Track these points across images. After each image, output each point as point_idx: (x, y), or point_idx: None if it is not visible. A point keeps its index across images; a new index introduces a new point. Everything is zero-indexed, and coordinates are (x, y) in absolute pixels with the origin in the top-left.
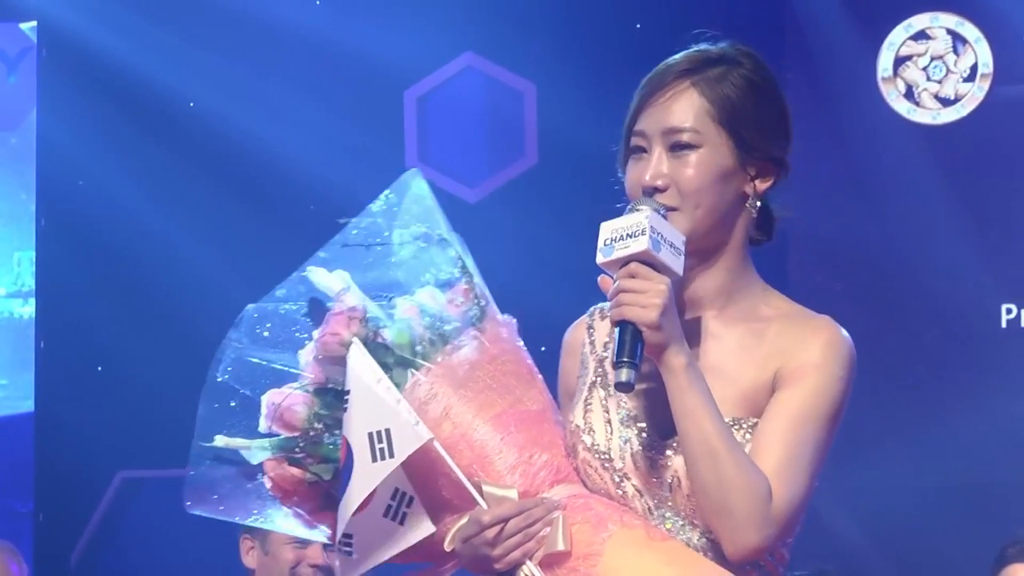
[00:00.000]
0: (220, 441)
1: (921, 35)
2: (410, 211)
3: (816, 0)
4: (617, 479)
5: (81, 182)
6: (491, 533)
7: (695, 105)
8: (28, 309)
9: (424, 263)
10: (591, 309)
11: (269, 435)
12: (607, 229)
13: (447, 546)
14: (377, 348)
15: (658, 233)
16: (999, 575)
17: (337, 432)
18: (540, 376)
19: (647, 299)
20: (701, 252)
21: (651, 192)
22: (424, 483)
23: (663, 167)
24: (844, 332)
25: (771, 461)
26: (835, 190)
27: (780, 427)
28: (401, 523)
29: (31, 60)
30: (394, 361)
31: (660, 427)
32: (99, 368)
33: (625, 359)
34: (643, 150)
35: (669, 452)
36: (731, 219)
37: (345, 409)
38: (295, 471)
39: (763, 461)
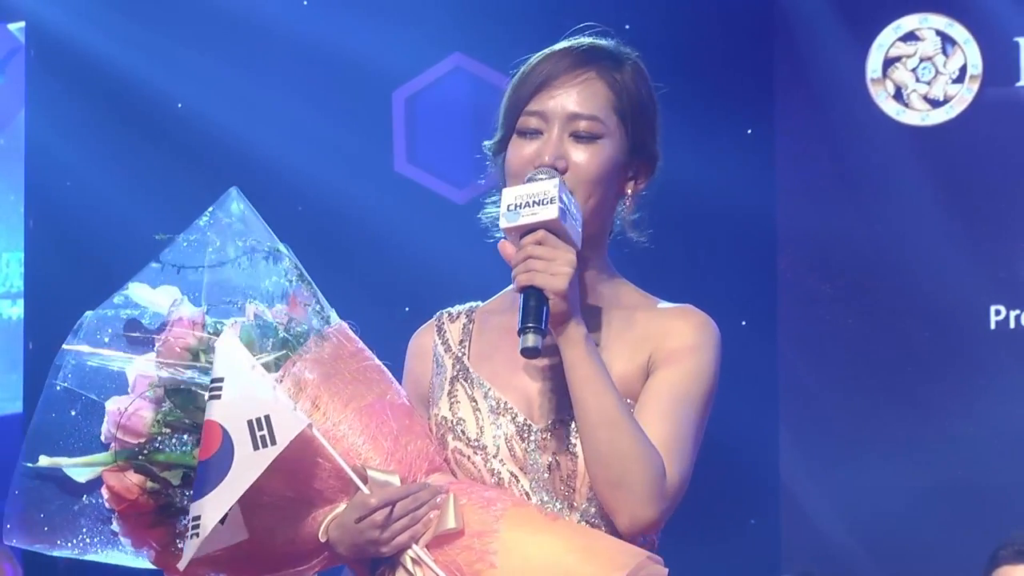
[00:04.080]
0: (44, 461)
1: (910, 36)
2: (237, 227)
3: (805, 1)
4: (492, 466)
5: (70, 183)
6: (380, 516)
7: (600, 95)
8: (17, 310)
9: (261, 274)
10: (438, 313)
11: (112, 445)
12: (511, 195)
13: (322, 536)
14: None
15: (564, 203)
16: None
17: (187, 436)
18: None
19: (556, 267)
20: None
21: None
22: (295, 473)
23: (563, 150)
24: (709, 317)
25: (659, 438)
26: (824, 191)
27: (663, 406)
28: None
29: (19, 61)
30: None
31: (533, 412)
32: None
33: (531, 324)
34: (538, 132)
35: (546, 435)
36: (608, 215)
37: (199, 409)
38: (136, 479)
39: (651, 437)
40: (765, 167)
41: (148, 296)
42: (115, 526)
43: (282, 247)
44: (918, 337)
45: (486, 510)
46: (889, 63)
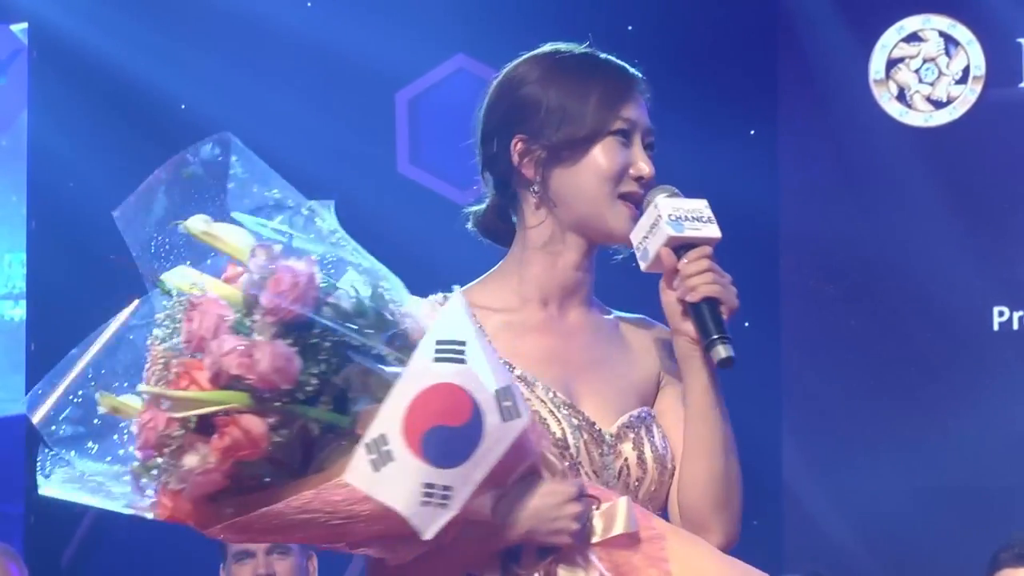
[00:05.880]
0: (105, 402)
1: (913, 37)
2: (261, 175)
3: (808, 1)
4: (572, 468)
5: (72, 184)
6: (582, 507)
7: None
8: (19, 311)
9: (309, 230)
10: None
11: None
12: (669, 205)
13: (494, 517)
14: (338, 311)
15: None
16: None
17: (333, 392)
18: None
19: (731, 286)
20: (593, 249)
21: (647, 184)
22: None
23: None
24: None
25: None
26: (827, 192)
27: None
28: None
29: (22, 61)
30: (368, 324)
31: (602, 415)
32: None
33: (728, 335)
34: (628, 138)
35: (615, 440)
36: None
37: (347, 363)
38: (261, 425)
39: None
40: (768, 168)
41: (223, 239)
42: (187, 465)
43: (314, 203)
44: (921, 338)
45: (647, 516)
46: (892, 64)
